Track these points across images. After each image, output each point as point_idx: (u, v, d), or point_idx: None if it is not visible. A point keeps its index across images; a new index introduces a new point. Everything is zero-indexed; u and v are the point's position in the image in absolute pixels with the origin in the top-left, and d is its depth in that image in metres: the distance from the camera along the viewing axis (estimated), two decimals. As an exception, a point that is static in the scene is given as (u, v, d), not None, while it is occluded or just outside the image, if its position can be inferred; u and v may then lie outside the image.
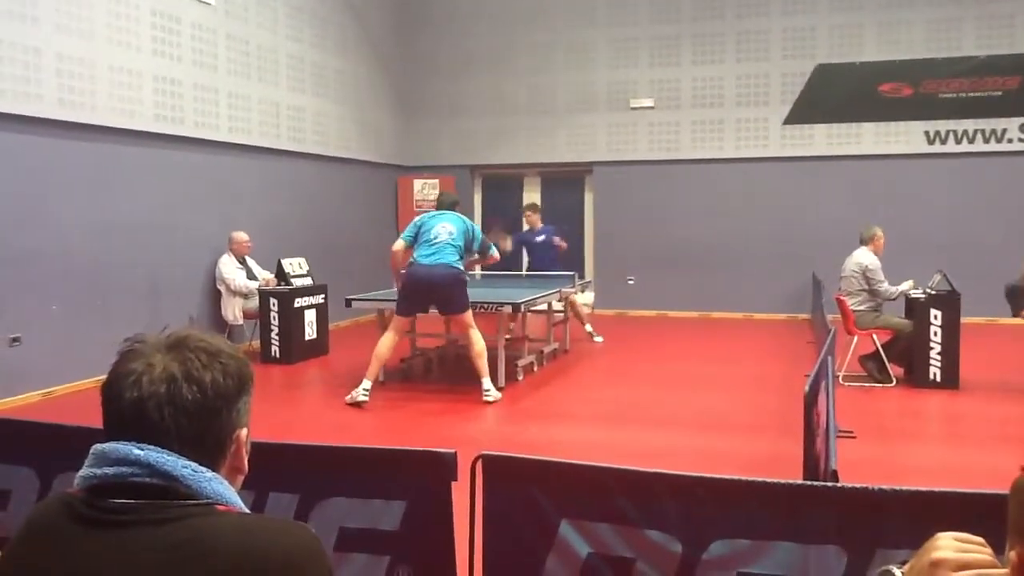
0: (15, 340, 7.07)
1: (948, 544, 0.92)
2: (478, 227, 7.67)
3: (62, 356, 7.45)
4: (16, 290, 7.08)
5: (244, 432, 1.28)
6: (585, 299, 12.21)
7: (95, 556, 1.14)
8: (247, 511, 1.25)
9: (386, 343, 7.25)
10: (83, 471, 1.21)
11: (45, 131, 7.33)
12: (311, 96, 11.36)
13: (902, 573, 0.95)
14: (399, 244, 7.39)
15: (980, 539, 0.93)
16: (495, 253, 7.77)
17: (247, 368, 1.30)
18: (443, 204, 7.73)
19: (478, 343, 7.24)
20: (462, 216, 7.52)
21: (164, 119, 8.65)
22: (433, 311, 7.51)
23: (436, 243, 7.18)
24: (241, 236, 9.35)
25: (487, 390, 7.18)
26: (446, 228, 7.25)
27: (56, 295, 7.45)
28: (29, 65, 7.13)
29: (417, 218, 7.57)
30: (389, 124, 13.61)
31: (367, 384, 7.08)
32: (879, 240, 8.05)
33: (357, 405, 7.00)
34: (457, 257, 7.24)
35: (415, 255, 7.23)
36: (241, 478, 1.30)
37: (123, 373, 1.25)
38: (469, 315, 7.32)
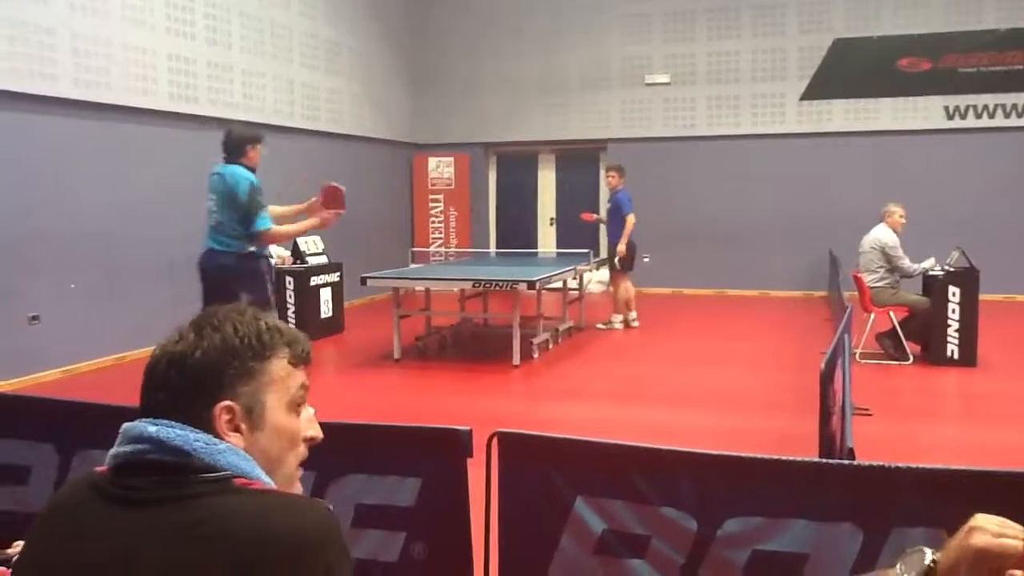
0: (34, 319, 7.13)
1: (986, 519, 0.91)
2: (246, 181, 5.33)
3: (80, 334, 7.51)
4: (34, 269, 7.13)
5: (228, 405, 1.22)
6: (599, 277, 12.20)
7: (120, 534, 1.15)
8: (268, 480, 1.24)
9: None
10: (111, 449, 1.22)
11: (60, 110, 7.35)
12: (324, 73, 11.34)
13: (933, 555, 0.93)
14: None
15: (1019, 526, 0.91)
16: (263, 227, 5.38)
17: (234, 341, 1.24)
18: (225, 148, 5.53)
19: None
20: (230, 170, 5.39)
21: (178, 98, 8.65)
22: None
23: (210, 221, 5.51)
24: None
25: None
26: (213, 201, 5.45)
27: (73, 274, 7.50)
28: (44, 45, 7.14)
29: None
30: (403, 102, 13.57)
31: None
32: (895, 217, 7.96)
33: None
34: (237, 234, 5.40)
35: None
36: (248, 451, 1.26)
37: (159, 346, 1.29)
38: None
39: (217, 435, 1.22)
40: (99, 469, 1.24)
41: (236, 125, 6.00)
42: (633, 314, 9.84)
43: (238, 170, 5.36)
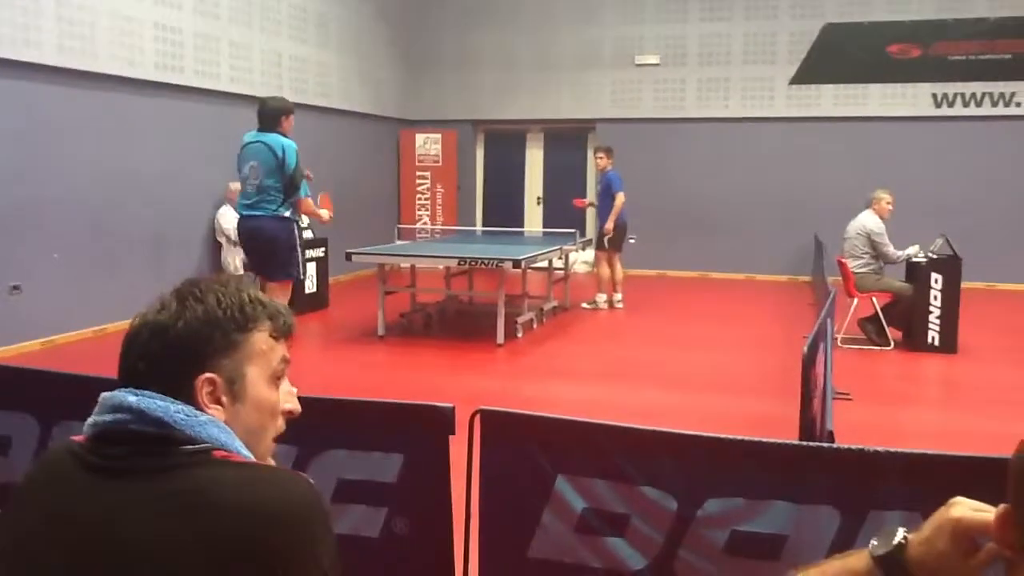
0: (15, 288, 7.08)
1: (965, 499, 0.94)
2: (293, 150, 5.84)
3: (63, 305, 7.46)
4: (17, 238, 7.06)
5: (210, 377, 1.22)
6: (585, 257, 12.21)
7: (102, 504, 1.15)
8: (246, 453, 1.24)
9: None
10: (89, 419, 1.22)
11: (45, 78, 7.26)
12: (313, 46, 11.24)
13: (906, 532, 0.95)
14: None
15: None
16: (306, 194, 6.02)
17: (217, 313, 1.24)
18: (260, 118, 5.93)
19: None
20: (275, 139, 5.85)
21: (165, 68, 8.56)
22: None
23: (247, 188, 5.95)
24: (237, 186, 9.29)
25: None
26: (253, 169, 5.87)
27: (57, 244, 7.44)
28: (28, 11, 7.04)
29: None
30: (392, 77, 13.48)
31: None
32: (883, 204, 8.01)
33: None
34: (276, 199, 5.85)
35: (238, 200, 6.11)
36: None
37: (139, 315, 1.27)
38: (288, 287, 6.04)
39: (198, 407, 1.21)
40: (76, 438, 1.23)
41: (269, 97, 6.34)
42: (618, 295, 9.87)
43: (284, 140, 5.79)
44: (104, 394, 1.22)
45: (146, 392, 1.19)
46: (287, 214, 5.87)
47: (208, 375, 1.22)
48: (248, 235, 5.95)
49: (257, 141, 5.80)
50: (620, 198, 9.56)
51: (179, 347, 1.22)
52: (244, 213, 5.93)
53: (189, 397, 1.21)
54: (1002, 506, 0.88)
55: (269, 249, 5.83)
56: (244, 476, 1.18)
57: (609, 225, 9.58)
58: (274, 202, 5.81)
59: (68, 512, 1.16)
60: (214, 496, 1.13)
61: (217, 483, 1.14)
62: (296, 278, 6.03)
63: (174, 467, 1.15)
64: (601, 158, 9.86)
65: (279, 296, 5.75)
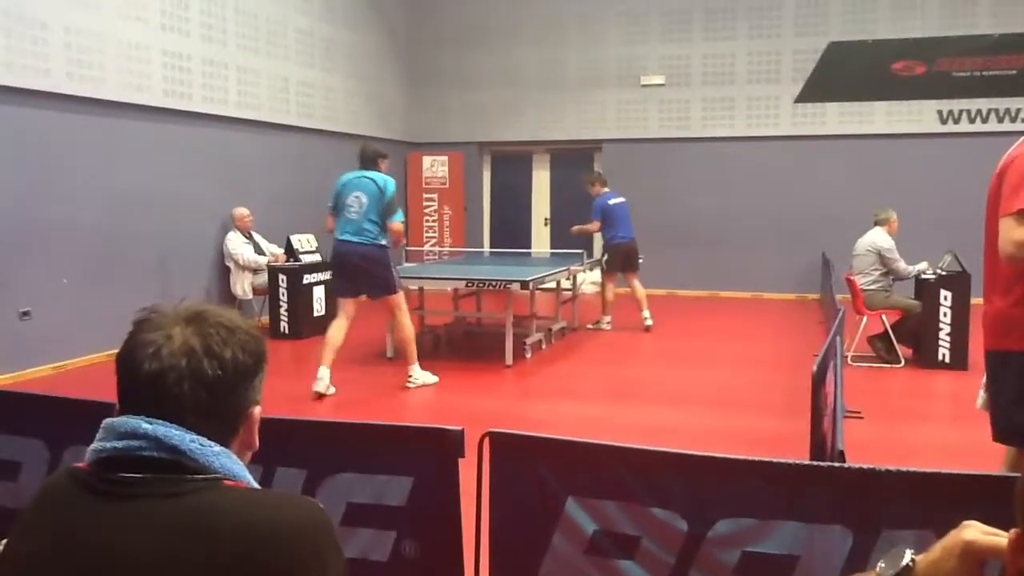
0: (25, 314, 7.11)
1: (978, 523, 0.94)
2: (393, 184, 6.72)
3: (73, 330, 7.49)
4: (26, 264, 7.11)
5: (257, 409, 1.30)
6: (593, 278, 12.20)
7: (104, 528, 1.15)
8: (256, 486, 1.25)
9: (334, 328, 6.77)
10: (93, 444, 1.22)
11: (54, 105, 7.32)
12: (320, 71, 11.32)
13: (913, 554, 0.95)
14: (329, 217, 6.84)
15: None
16: (400, 219, 6.77)
17: (263, 346, 1.31)
18: (362, 160, 6.86)
19: (405, 328, 6.86)
20: (378, 175, 6.71)
21: (173, 94, 8.63)
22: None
23: (351, 216, 6.62)
24: (242, 211, 9.36)
25: (412, 377, 6.97)
26: (358, 199, 6.62)
27: (66, 269, 7.48)
28: (37, 39, 7.11)
29: (338, 181, 6.83)
30: (398, 100, 13.56)
31: (323, 372, 6.66)
32: (894, 223, 8.04)
33: (321, 397, 6.58)
34: (376, 230, 6.63)
35: (336, 229, 6.75)
36: (250, 454, 1.32)
37: (140, 344, 1.25)
38: (398, 298, 6.82)
39: (243, 437, 1.29)
40: (79, 465, 1.24)
41: (368, 142, 7.37)
42: (646, 313, 9.80)
43: (387, 176, 6.73)
44: (109, 420, 1.22)
45: (160, 421, 1.20)
46: (383, 242, 6.66)
47: (258, 407, 1.31)
48: (352, 260, 6.62)
49: (363, 176, 6.66)
50: (593, 225, 9.95)
51: (240, 381, 1.26)
52: (346, 239, 6.62)
53: (239, 429, 1.28)
54: (1014, 531, 0.88)
55: (374, 272, 6.62)
56: (252, 499, 1.18)
57: (573, 228, 10.25)
58: (373, 232, 6.58)
59: (73, 536, 1.16)
60: (222, 519, 1.13)
61: (225, 507, 1.15)
62: (395, 287, 6.81)
63: (184, 493, 1.15)
64: (589, 186, 10.15)
65: (399, 308, 6.78)
